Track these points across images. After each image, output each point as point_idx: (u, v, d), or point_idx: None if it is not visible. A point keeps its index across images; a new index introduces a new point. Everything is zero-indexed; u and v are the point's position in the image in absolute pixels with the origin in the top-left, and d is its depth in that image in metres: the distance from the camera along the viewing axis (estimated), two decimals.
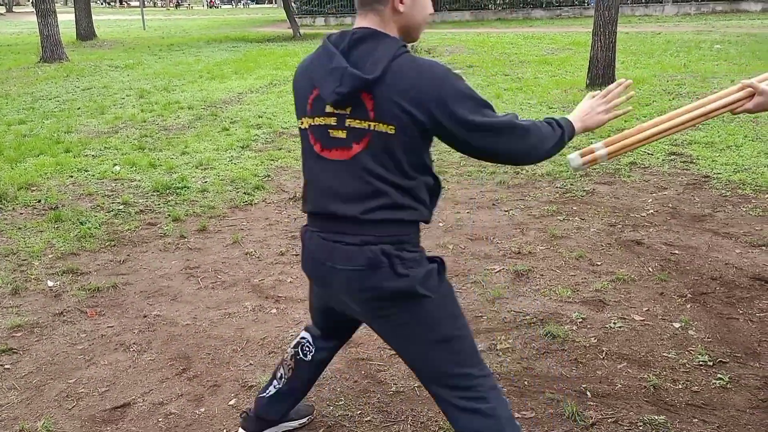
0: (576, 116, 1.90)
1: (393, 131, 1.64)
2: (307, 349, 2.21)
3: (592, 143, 2.10)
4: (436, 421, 2.50)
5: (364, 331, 3.16)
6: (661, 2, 24.86)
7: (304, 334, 2.24)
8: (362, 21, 1.73)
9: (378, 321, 1.84)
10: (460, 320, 1.84)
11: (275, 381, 2.29)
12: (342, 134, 1.70)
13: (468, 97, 1.65)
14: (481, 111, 1.66)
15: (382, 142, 1.66)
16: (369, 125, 1.66)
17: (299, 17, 24.98)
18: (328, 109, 1.70)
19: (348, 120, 1.68)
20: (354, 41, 1.69)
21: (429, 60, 1.69)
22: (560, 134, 1.81)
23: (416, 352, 1.83)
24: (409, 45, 1.76)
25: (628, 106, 1.82)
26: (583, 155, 2.02)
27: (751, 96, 2.02)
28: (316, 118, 1.74)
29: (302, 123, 1.80)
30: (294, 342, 2.26)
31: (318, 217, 1.81)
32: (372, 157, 1.68)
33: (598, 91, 1.98)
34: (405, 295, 1.73)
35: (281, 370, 2.27)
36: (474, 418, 1.81)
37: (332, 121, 1.71)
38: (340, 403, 2.64)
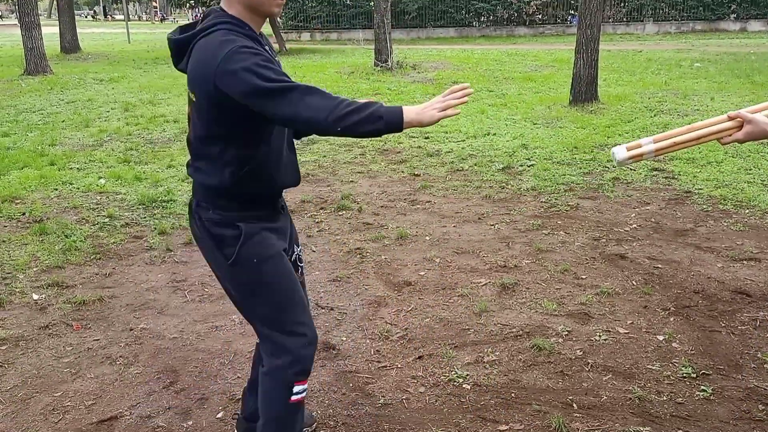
0: (412, 108, 1.84)
1: (195, 98, 1.88)
2: None
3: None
4: None
5: (351, 344, 3.18)
6: (642, 21, 25.29)
7: None
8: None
9: (210, 264, 2.13)
10: (260, 288, 2.05)
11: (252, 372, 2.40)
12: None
13: (240, 65, 1.75)
14: (252, 76, 1.75)
15: (194, 109, 1.93)
16: (189, 93, 1.92)
17: (285, 32, 25.08)
18: None
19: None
20: (202, 20, 1.93)
21: (217, 39, 1.81)
22: (369, 112, 1.74)
23: (235, 299, 2.14)
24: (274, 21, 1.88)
25: (458, 109, 1.84)
26: (629, 149, 1.98)
27: (741, 126, 1.99)
28: None
29: None
30: None
31: None
32: (192, 122, 1.96)
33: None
34: (213, 252, 2.05)
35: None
36: None
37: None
38: (329, 415, 2.65)
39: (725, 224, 4.68)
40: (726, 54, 15.77)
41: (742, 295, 3.59)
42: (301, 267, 2.31)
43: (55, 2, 29.32)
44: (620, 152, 1.99)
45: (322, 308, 3.58)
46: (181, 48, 1.94)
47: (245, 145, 1.92)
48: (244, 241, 1.97)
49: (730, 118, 2.02)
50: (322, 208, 5.30)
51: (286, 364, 2.04)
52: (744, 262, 4.03)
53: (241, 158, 1.93)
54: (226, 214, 1.99)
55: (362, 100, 1.82)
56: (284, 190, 2.16)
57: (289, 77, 1.80)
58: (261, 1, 1.88)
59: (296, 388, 2.07)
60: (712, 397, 2.69)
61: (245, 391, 2.43)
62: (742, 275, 3.83)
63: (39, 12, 15.68)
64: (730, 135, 2.01)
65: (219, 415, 2.66)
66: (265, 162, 1.97)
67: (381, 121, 1.75)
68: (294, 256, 2.24)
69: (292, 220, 2.27)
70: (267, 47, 1.95)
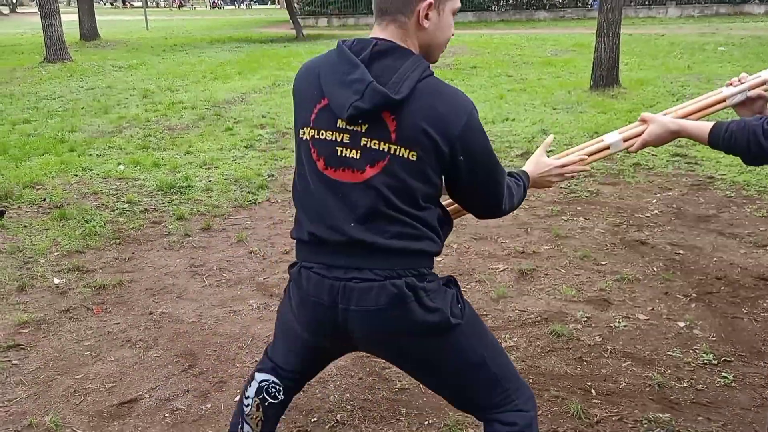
0: (532, 171, 1.92)
1: (414, 158, 1.50)
2: (274, 389, 1.83)
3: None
4: (442, 418, 2.50)
5: None
6: (664, 4, 24.88)
7: (263, 376, 1.83)
8: (381, 32, 1.57)
9: (404, 357, 1.70)
10: (487, 336, 1.74)
11: None
12: (355, 154, 1.53)
13: (483, 132, 1.61)
14: (490, 150, 1.63)
15: (399, 168, 1.51)
16: (389, 148, 1.50)
17: (302, 18, 25.03)
18: (340, 123, 1.53)
19: (364, 139, 1.52)
20: (376, 53, 1.52)
21: (454, 88, 1.58)
22: (523, 187, 1.85)
23: (454, 381, 1.70)
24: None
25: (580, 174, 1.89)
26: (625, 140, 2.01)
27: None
28: (323, 132, 1.56)
29: (303, 133, 1.61)
30: (252, 390, 1.83)
31: (318, 246, 1.60)
32: (386, 183, 1.52)
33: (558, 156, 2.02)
34: (438, 328, 1.60)
35: (246, 427, 1.84)
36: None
37: (344, 137, 1.53)
38: (346, 399, 2.65)
39: (748, 210, 4.61)
40: (751, 37, 15.47)
41: (764, 281, 3.54)
42: None
43: None
44: (613, 138, 2.04)
45: None
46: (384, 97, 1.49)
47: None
48: (464, 303, 1.69)
49: (642, 121, 1.98)
50: None
51: (533, 413, 1.73)
52: (767, 248, 3.96)
53: (448, 222, 1.74)
54: (437, 277, 1.68)
55: (513, 180, 1.82)
56: None
57: None
58: (441, 44, 1.64)
59: None
60: (733, 384, 2.66)
61: None
62: (765, 261, 3.77)
63: None
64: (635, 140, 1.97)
65: (237, 399, 2.67)
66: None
67: (525, 194, 1.86)
68: None
69: None
70: None
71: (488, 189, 1.66)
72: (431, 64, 1.60)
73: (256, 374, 1.85)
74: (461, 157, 1.54)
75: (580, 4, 26.02)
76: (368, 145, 1.51)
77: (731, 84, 2.01)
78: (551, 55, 13.73)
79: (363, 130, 1.51)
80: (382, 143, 1.51)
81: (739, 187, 5.09)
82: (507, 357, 1.77)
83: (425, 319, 1.57)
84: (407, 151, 1.50)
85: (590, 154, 2.02)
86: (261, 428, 1.85)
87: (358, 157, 1.53)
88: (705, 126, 1.84)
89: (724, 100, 1.99)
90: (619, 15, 9.32)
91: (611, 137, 2.02)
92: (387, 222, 1.54)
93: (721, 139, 1.79)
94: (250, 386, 1.84)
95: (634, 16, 24.16)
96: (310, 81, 1.60)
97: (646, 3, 25.24)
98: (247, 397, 1.84)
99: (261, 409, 1.84)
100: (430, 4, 1.54)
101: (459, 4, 1.66)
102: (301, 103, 1.63)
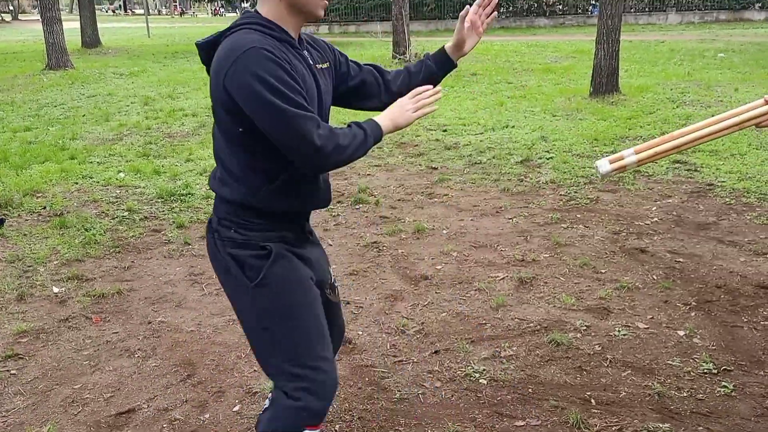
0: (385, 116, 1.83)
1: (217, 107, 1.70)
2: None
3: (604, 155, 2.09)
4: (441, 428, 2.49)
5: (367, 338, 3.18)
6: (664, 11, 24.92)
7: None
8: None
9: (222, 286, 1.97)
10: (284, 312, 1.80)
11: None
12: None
13: (254, 74, 1.58)
14: (260, 91, 1.59)
15: (216, 117, 1.75)
16: (210, 98, 1.75)
17: (303, 25, 25.05)
18: None
19: None
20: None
21: (244, 36, 1.64)
22: (357, 133, 1.73)
23: (244, 331, 1.93)
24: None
25: (435, 105, 1.84)
26: (612, 162, 2.00)
27: None
28: None
29: None
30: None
31: None
32: (214, 132, 1.81)
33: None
34: (228, 275, 1.85)
35: None
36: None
37: None
38: (345, 409, 2.64)
39: (748, 218, 4.60)
40: (751, 44, 15.49)
41: (765, 289, 3.53)
42: (337, 288, 2.13)
43: None
44: (604, 165, 2.01)
45: None
46: (207, 53, 1.74)
47: (275, 156, 1.71)
48: (275, 260, 1.77)
49: (766, 102, 1.93)
50: (339, 202, 5.30)
51: (300, 404, 1.76)
52: (767, 256, 3.95)
53: (269, 171, 1.75)
54: (250, 234, 1.79)
55: (341, 128, 1.73)
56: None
57: (305, 97, 1.65)
58: (308, 1, 1.72)
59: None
60: (733, 394, 2.65)
61: None
62: (765, 269, 3.76)
63: (60, 7, 15.84)
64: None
65: (236, 409, 2.67)
66: (301, 176, 1.78)
67: (370, 139, 1.76)
68: (332, 280, 2.08)
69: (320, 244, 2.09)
70: (306, 52, 1.79)
71: (281, 132, 1.62)
72: (317, 18, 1.76)
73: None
74: (239, 103, 1.62)
75: (580, 11, 26.08)
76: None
77: None
78: (551, 62, 13.75)
79: None
80: (210, 96, 1.74)
81: (739, 194, 5.09)
82: (304, 340, 1.80)
83: (216, 259, 1.84)
84: (212, 101, 1.71)
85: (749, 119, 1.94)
86: None
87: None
88: None
89: None
90: (619, 21, 9.34)
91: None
92: (216, 167, 1.84)
93: None
94: None
95: (634, 22, 24.19)
96: None
97: (647, 9, 25.28)
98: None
99: None
100: None
101: None
102: None
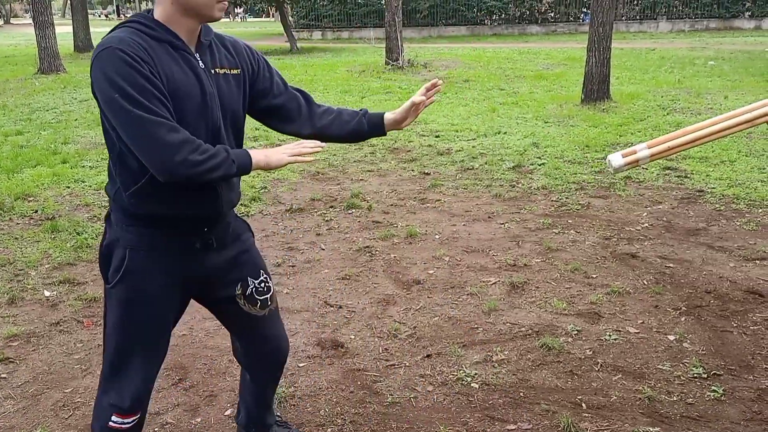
0: (261, 151, 1.79)
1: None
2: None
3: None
4: None
5: (359, 342, 3.18)
6: (655, 19, 25.11)
7: None
8: None
9: None
10: (114, 323, 1.86)
11: None
12: None
13: (105, 73, 1.58)
14: (111, 93, 1.58)
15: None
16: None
17: (296, 31, 25.12)
18: None
19: None
20: None
21: (115, 35, 1.64)
22: (224, 157, 1.67)
23: None
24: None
25: (311, 157, 1.83)
26: (624, 156, 1.99)
27: None
28: None
29: None
30: None
31: None
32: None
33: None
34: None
35: None
36: None
37: None
38: (336, 413, 2.65)
39: (738, 223, 4.64)
40: (740, 52, 15.63)
41: (754, 295, 3.56)
42: (266, 297, 2.07)
43: (68, 1, 29.53)
44: (616, 159, 2.00)
45: (331, 306, 3.58)
46: None
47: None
48: (124, 275, 1.78)
49: None
50: (331, 207, 5.31)
51: (105, 404, 1.91)
52: (756, 261, 3.99)
53: (135, 170, 1.70)
54: (119, 234, 1.79)
55: (205, 145, 1.68)
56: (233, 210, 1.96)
57: (161, 101, 1.61)
58: (200, 3, 1.67)
59: (114, 418, 1.91)
60: (723, 398, 2.67)
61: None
62: (754, 275, 3.80)
63: (53, 11, 15.82)
64: None
65: (227, 413, 2.67)
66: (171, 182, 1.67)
67: (233, 166, 1.69)
68: (249, 291, 2.02)
69: (250, 248, 2.05)
70: (205, 55, 1.76)
71: (126, 134, 1.61)
72: (213, 20, 1.72)
73: None
74: (99, 102, 1.63)
75: (571, 19, 26.25)
76: None
77: None
78: (543, 69, 13.82)
79: None
80: None
81: (729, 200, 5.13)
82: (124, 353, 1.87)
83: (100, 251, 1.88)
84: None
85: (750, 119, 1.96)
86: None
87: None
88: None
89: None
90: (610, 29, 9.41)
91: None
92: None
93: None
94: None
95: (625, 30, 24.37)
96: None
97: (638, 17, 25.47)
98: None
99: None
100: None
101: None
102: None
